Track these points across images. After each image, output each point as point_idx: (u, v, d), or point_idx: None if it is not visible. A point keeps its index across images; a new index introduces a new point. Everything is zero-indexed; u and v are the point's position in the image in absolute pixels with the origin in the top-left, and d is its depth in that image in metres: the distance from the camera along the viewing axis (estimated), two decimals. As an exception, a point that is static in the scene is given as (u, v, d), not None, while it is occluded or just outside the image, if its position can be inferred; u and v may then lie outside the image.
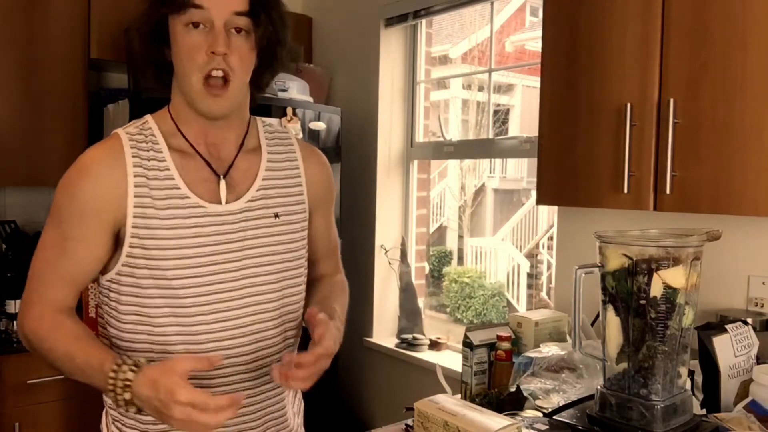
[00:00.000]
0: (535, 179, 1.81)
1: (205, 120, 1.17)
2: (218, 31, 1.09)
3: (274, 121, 2.47)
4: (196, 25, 1.09)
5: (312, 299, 1.32)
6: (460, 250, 6.49)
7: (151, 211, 1.12)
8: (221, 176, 1.18)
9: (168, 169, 1.14)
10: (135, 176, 1.12)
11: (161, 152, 1.15)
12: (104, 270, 1.16)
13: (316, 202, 1.32)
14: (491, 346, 1.70)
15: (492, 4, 2.61)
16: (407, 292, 2.86)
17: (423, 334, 2.81)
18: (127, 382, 0.99)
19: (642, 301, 1.20)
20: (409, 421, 1.41)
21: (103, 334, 1.21)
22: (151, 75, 1.20)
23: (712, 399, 1.39)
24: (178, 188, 1.14)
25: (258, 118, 1.31)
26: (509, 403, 1.48)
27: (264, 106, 2.46)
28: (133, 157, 1.13)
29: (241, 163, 1.21)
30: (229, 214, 1.17)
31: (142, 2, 1.15)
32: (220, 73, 1.10)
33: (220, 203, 1.17)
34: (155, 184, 1.13)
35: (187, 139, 1.18)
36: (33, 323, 1.13)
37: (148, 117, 1.20)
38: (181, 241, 1.12)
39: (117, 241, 1.14)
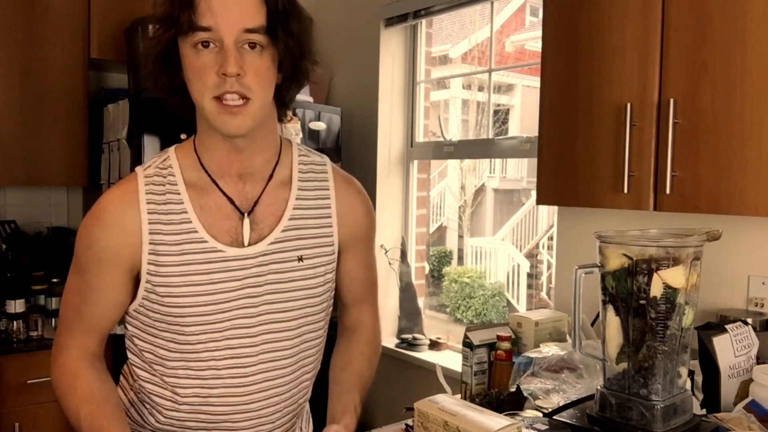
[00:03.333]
0: (535, 179, 1.81)
1: (229, 143, 1.09)
2: (228, 50, 0.99)
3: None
4: (205, 44, 1.00)
5: (338, 371, 1.24)
6: (460, 250, 6.49)
7: (166, 258, 1.07)
8: (245, 214, 1.11)
9: (185, 212, 1.09)
10: (150, 223, 1.07)
11: (179, 193, 1.09)
12: None
13: (348, 240, 1.22)
14: (491, 346, 1.71)
15: (492, 4, 2.61)
16: (407, 292, 2.86)
17: (423, 334, 2.81)
18: None
19: (642, 301, 1.19)
20: (409, 421, 1.41)
21: (129, 357, 1.20)
22: (171, 100, 1.12)
23: (712, 399, 1.39)
24: (196, 231, 1.08)
25: (296, 144, 1.22)
26: (509, 403, 1.48)
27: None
28: (148, 203, 1.08)
29: (267, 198, 1.13)
30: (248, 258, 1.10)
31: (153, 29, 1.08)
32: (235, 97, 1.01)
33: (241, 244, 1.10)
34: (170, 228, 1.08)
35: (209, 174, 1.11)
36: (57, 372, 1.12)
37: (171, 151, 1.14)
38: (194, 288, 1.07)
39: (138, 282, 1.10)
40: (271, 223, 1.13)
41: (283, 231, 1.13)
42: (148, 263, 1.07)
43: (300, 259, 1.14)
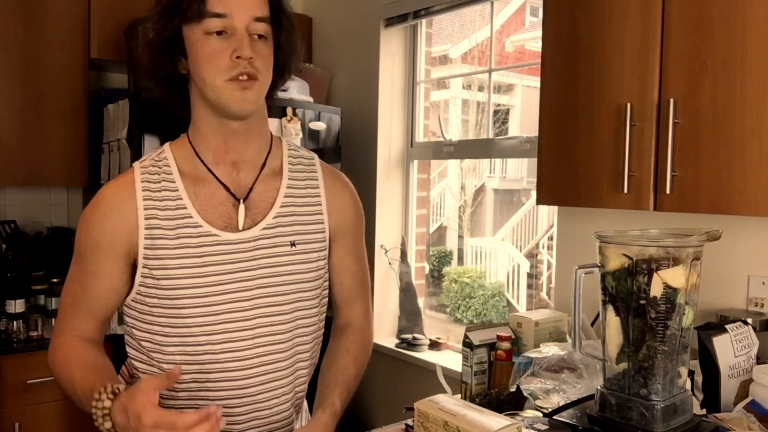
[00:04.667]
0: (535, 179, 1.81)
1: (226, 128, 1.14)
2: (242, 35, 1.07)
3: (274, 121, 2.48)
4: (218, 32, 1.07)
5: (323, 370, 1.25)
6: (460, 250, 6.49)
7: (162, 242, 1.11)
8: (241, 200, 1.16)
9: (180, 198, 1.13)
10: (145, 209, 1.12)
11: (173, 181, 1.14)
12: None
13: (338, 229, 1.26)
14: (491, 346, 1.70)
15: (492, 4, 2.60)
16: (407, 292, 2.86)
17: (423, 334, 2.81)
18: (106, 411, 0.97)
19: (642, 301, 1.19)
20: (409, 421, 1.41)
21: (128, 352, 1.21)
22: (162, 90, 1.17)
23: (712, 399, 1.39)
24: (190, 217, 1.13)
25: (284, 140, 1.28)
26: (509, 403, 1.48)
27: (264, 106, 2.45)
28: (144, 190, 1.13)
29: (259, 186, 1.18)
30: (242, 242, 1.14)
31: (150, 15, 1.12)
32: (246, 78, 1.08)
33: (235, 229, 1.14)
34: (166, 214, 1.12)
35: (204, 162, 1.16)
36: (52, 349, 1.16)
37: (166, 146, 1.19)
38: (190, 270, 1.11)
39: (135, 272, 1.14)
40: (264, 209, 1.18)
41: (275, 217, 1.18)
42: (145, 248, 1.11)
43: (293, 244, 1.19)
